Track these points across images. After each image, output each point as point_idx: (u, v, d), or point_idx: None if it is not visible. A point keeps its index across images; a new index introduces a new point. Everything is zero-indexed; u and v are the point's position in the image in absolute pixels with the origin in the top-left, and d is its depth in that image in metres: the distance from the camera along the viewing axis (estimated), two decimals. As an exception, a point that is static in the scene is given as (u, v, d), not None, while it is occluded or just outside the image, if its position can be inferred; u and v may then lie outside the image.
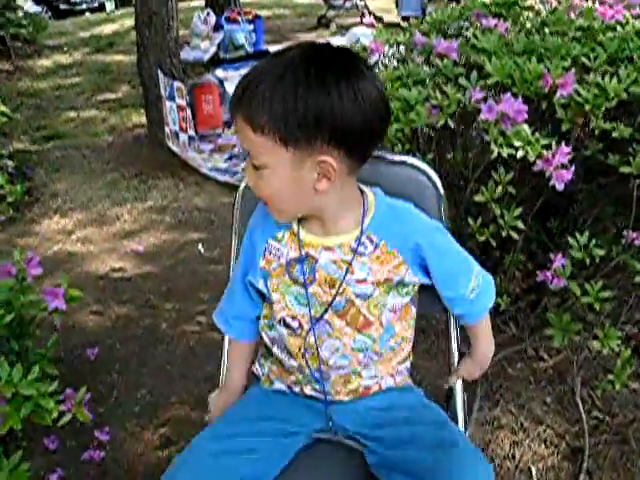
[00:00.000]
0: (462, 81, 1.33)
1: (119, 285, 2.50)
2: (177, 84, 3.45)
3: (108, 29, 7.17)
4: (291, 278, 0.97)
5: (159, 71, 3.29)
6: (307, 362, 0.99)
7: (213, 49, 5.08)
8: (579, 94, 1.33)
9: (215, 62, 5.12)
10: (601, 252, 1.39)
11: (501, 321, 1.89)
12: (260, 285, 1.01)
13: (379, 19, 6.28)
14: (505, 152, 1.27)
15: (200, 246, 2.73)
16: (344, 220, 0.94)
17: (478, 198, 1.37)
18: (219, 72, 4.59)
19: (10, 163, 3.34)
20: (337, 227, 0.94)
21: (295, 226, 0.96)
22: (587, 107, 1.32)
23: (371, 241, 0.94)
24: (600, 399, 1.79)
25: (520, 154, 1.27)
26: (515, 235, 1.37)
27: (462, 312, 1.06)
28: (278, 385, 1.07)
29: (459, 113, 1.30)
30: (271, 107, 0.79)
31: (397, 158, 1.15)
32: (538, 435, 1.70)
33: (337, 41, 5.81)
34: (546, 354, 1.97)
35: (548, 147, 1.28)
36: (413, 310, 1.04)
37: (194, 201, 3.13)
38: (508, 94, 1.25)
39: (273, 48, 5.45)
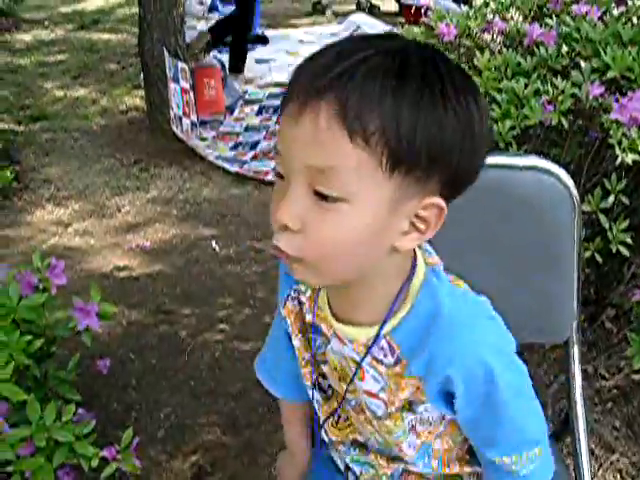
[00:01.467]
0: (575, 74, 1.15)
1: (127, 286, 2.26)
2: (181, 65, 3.19)
3: (91, 5, 6.77)
4: (309, 344, 0.76)
5: (164, 50, 3.03)
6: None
7: (209, 30, 4.79)
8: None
9: (209, 45, 4.84)
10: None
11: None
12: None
13: (376, 8, 6.07)
14: (629, 158, 1.10)
15: (214, 243, 2.50)
16: (370, 304, 0.65)
17: (584, 207, 1.20)
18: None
19: (-5, 144, 3.05)
20: (358, 311, 0.67)
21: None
22: None
23: (392, 350, 0.66)
24: (671, 424, 1.65)
25: (646, 160, 1.10)
26: (625, 251, 1.20)
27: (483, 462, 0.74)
28: (335, 457, 0.86)
29: (573, 110, 1.12)
30: (388, 111, 0.52)
31: (522, 162, 0.97)
32: (612, 464, 1.56)
33: (335, 29, 5.58)
34: (606, 372, 1.83)
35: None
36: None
37: (202, 193, 2.89)
38: (639, 91, 1.08)
39: (269, 33, 5.19)
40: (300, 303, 0.74)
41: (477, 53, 1.22)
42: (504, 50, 1.32)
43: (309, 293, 0.73)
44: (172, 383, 1.82)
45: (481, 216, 0.96)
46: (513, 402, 0.66)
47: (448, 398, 0.67)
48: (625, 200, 1.18)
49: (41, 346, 1.16)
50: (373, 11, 6.00)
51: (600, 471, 1.54)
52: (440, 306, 0.63)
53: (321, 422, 0.81)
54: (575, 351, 1.10)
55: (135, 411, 1.72)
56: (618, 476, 1.53)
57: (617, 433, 1.64)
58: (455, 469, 0.77)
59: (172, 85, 3.11)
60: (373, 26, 4.96)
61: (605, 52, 1.16)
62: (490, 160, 0.99)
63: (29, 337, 1.04)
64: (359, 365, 0.68)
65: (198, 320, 2.06)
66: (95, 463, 1.03)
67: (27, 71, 4.69)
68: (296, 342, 0.77)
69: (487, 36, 1.60)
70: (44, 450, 0.99)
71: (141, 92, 3.79)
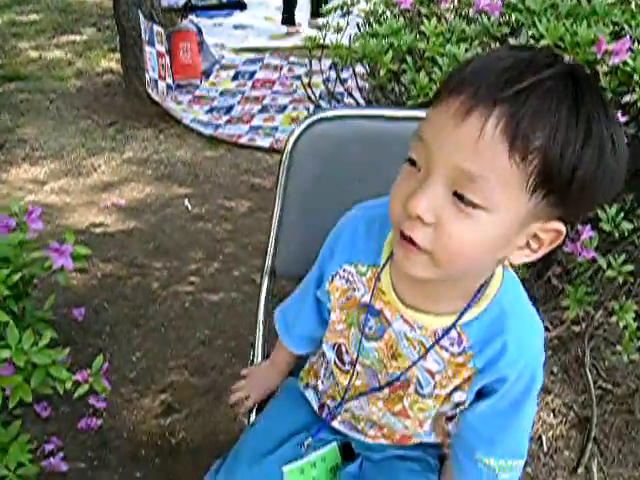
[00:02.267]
0: (512, 41, 1.25)
1: (102, 241, 2.35)
2: (157, 28, 3.22)
3: (67, -36, 6.65)
4: (356, 321, 0.79)
5: (139, 13, 3.05)
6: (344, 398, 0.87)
7: (187, -7, 4.78)
8: (625, 63, 1.28)
9: (186, 9, 4.83)
10: (629, 226, 1.37)
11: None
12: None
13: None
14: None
15: (186, 202, 2.59)
16: (449, 298, 0.69)
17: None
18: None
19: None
20: (431, 304, 0.70)
21: (381, 269, 0.73)
22: (636, 77, 1.27)
23: (460, 341, 0.70)
24: (604, 369, 1.81)
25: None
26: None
27: (457, 445, 0.80)
28: (309, 395, 0.95)
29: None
30: (558, 136, 0.53)
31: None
32: (547, 404, 1.72)
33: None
34: (550, 324, 1.98)
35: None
36: None
37: (176, 154, 2.96)
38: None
39: (248, -2, 5.18)
40: (349, 282, 0.77)
41: (425, 20, 1.32)
42: (455, 18, 1.41)
43: (369, 275, 0.75)
44: (144, 330, 1.93)
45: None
46: (528, 412, 0.72)
47: (480, 391, 0.72)
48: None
49: (18, 283, 1.26)
50: (352, -21, 6.01)
51: (536, 410, 1.70)
52: (513, 310, 0.68)
53: (321, 375, 0.90)
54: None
55: (109, 354, 1.83)
56: (551, 414, 1.69)
57: (554, 377, 1.80)
58: (438, 439, 0.85)
59: (147, 48, 3.15)
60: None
61: (541, 22, 1.26)
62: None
63: (7, 271, 1.13)
64: (427, 350, 0.72)
65: (170, 273, 2.17)
66: (69, 385, 1.13)
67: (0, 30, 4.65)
68: (333, 316, 0.80)
69: (445, 5, 1.69)
70: (23, 371, 1.09)
71: (117, 55, 3.80)
